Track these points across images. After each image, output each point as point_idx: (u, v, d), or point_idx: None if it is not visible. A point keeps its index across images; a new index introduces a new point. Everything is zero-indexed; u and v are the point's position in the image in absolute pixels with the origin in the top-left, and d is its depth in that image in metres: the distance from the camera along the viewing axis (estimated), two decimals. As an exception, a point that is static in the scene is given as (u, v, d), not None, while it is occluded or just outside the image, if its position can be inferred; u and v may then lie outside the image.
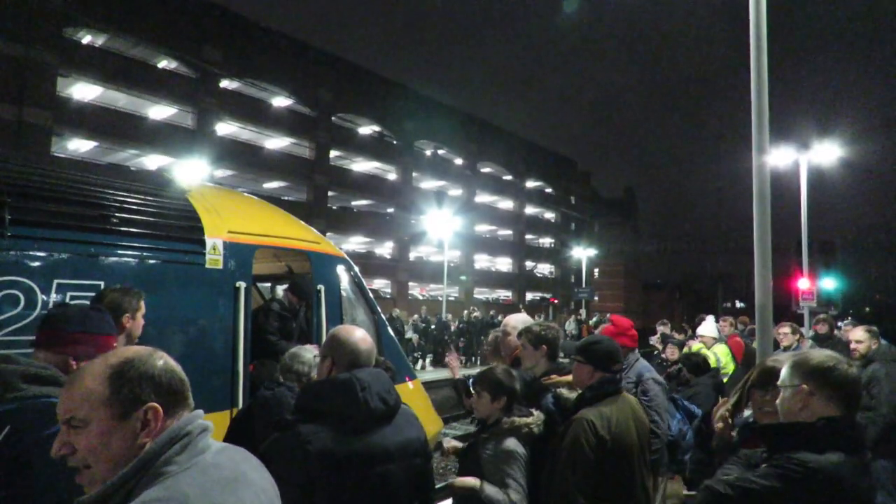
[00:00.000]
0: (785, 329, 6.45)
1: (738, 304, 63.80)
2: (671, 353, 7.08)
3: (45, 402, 1.65)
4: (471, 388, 3.19)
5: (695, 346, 7.54)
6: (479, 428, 2.91)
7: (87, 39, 23.06)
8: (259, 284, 5.88)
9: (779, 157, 17.98)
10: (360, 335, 2.19)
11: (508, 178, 45.94)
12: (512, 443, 2.64)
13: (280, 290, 4.70)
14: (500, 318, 19.28)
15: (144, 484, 1.09)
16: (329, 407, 2.01)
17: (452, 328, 21.55)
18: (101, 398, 1.14)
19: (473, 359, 21.30)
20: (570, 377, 3.02)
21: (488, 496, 2.52)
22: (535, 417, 2.75)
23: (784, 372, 1.93)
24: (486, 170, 44.24)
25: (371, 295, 5.20)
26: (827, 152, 18.83)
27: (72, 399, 1.16)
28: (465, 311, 23.14)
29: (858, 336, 5.31)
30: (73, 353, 1.89)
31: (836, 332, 7.75)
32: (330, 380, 2.08)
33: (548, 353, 3.19)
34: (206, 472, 1.15)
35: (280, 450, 2.00)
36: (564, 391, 2.97)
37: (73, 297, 2.90)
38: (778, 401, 1.94)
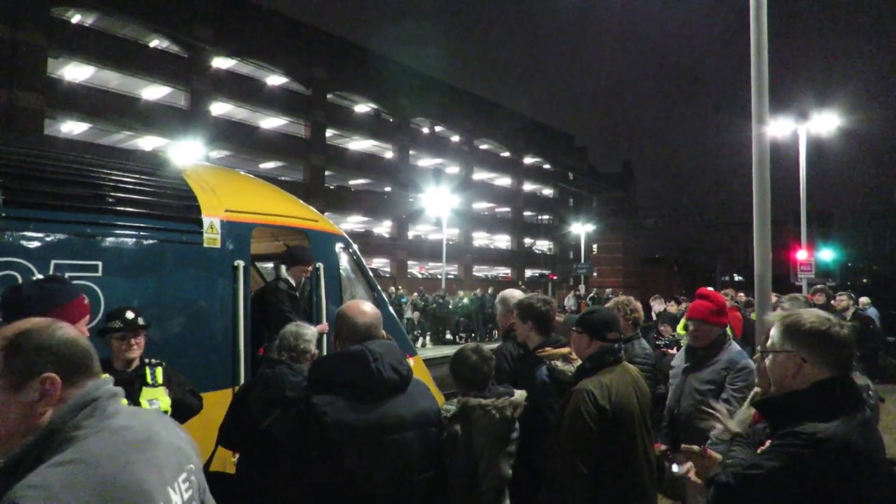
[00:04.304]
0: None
1: (737, 278, 63.97)
2: (664, 329, 7.10)
3: None
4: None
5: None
6: None
7: (76, 19, 22.68)
8: (259, 265, 5.87)
9: (777, 127, 17.85)
10: (362, 308, 2.24)
11: (506, 154, 45.68)
12: (455, 428, 2.44)
13: (284, 270, 4.63)
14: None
15: (55, 449, 1.12)
16: (343, 378, 2.05)
17: (451, 306, 21.63)
18: None
19: (474, 335, 21.45)
20: (565, 350, 3.04)
21: None
22: (494, 401, 2.53)
23: (774, 334, 1.83)
24: (483, 147, 43.97)
25: (370, 272, 5.19)
26: (826, 122, 18.71)
27: None
28: (475, 291, 23.23)
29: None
30: None
31: (832, 302, 7.82)
32: (342, 352, 2.14)
33: (535, 327, 3.19)
34: (118, 433, 1.19)
35: (295, 422, 2.03)
36: (559, 363, 2.99)
37: (70, 278, 2.89)
38: (768, 364, 1.85)
